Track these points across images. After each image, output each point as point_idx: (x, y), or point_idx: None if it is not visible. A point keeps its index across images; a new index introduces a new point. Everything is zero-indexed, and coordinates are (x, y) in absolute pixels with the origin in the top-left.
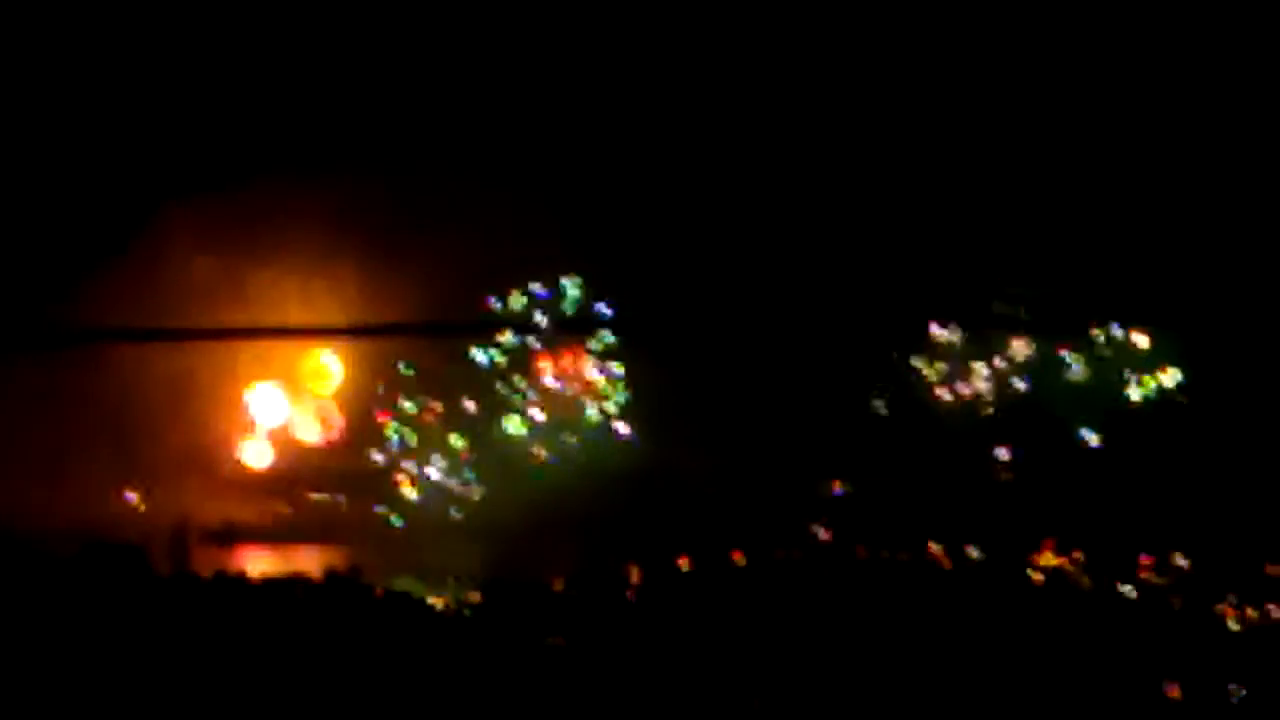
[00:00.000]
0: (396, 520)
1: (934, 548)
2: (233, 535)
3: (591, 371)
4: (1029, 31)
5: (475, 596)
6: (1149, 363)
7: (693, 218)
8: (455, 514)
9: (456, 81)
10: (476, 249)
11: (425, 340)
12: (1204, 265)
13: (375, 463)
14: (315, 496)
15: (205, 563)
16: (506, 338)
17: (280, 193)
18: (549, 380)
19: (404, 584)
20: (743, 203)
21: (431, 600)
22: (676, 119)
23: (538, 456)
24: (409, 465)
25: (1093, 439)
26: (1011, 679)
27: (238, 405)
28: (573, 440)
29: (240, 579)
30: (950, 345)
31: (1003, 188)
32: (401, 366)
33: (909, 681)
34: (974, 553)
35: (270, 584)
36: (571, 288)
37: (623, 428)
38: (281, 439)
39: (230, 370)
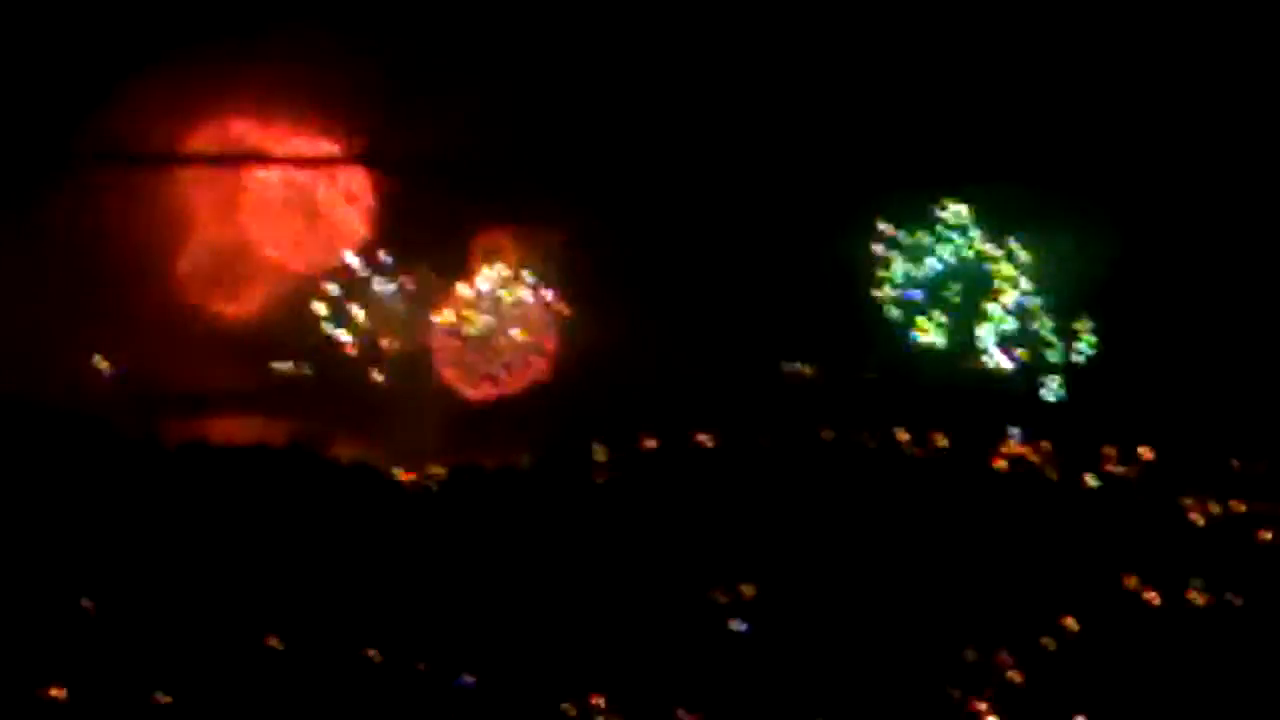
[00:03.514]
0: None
1: (901, 434)
2: (199, 402)
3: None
4: None
5: (440, 471)
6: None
7: (650, 75)
8: (416, 385)
9: None
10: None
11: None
12: (1169, 163)
13: (342, 330)
14: (280, 365)
15: (171, 430)
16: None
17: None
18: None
19: (369, 456)
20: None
21: (397, 474)
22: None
23: (497, 327)
24: (375, 333)
25: (1058, 328)
26: (976, 570)
27: (212, 256)
28: (532, 309)
29: (204, 446)
30: (925, 230)
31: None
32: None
33: (876, 569)
34: (941, 440)
35: (236, 452)
36: None
37: (580, 300)
38: (251, 300)
39: (207, 217)
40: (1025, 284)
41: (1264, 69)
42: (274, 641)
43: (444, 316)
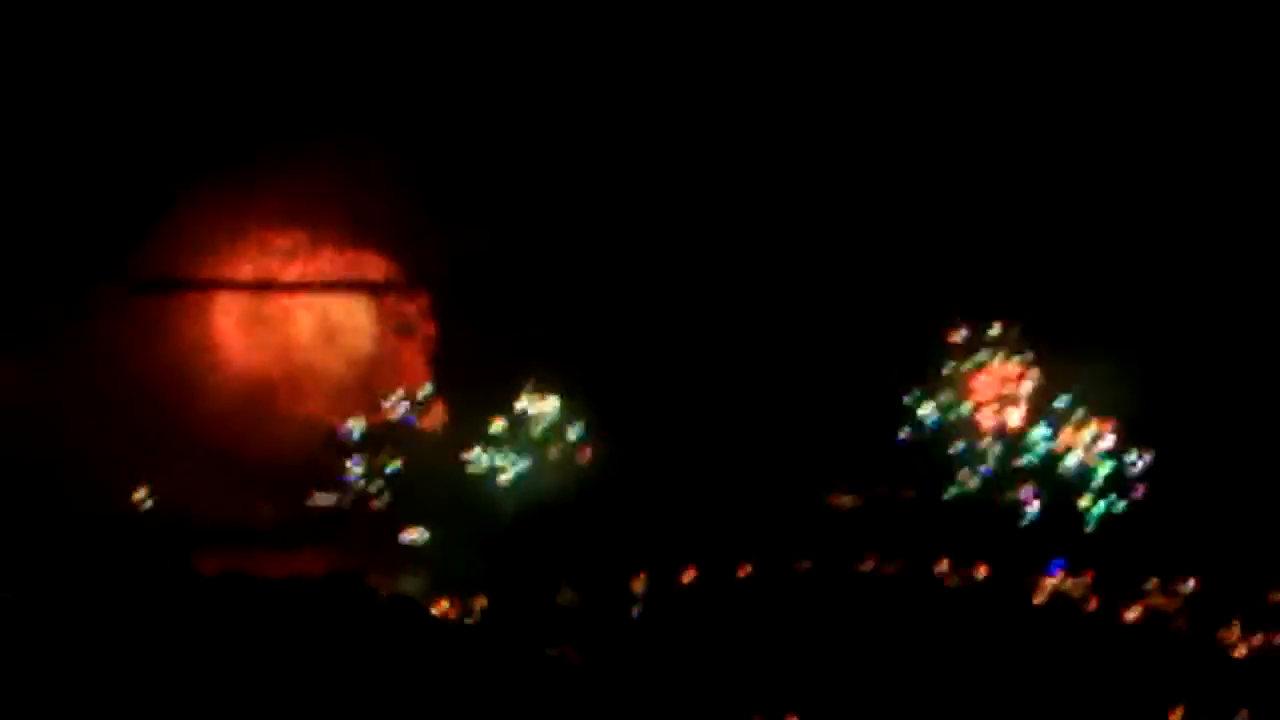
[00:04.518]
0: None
1: (941, 564)
2: (237, 532)
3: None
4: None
5: (480, 603)
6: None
7: (685, 210)
8: (456, 516)
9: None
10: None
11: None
12: (1211, 280)
13: (380, 462)
14: (321, 497)
15: (209, 562)
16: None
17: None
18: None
19: (408, 587)
20: (737, 196)
21: (436, 605)
22: (663, 112)
23: (543, 464)
24: (414, 465)
25: (1101, 459)
26: (1015, 698)
27: (251, 393)
28: (572, 445)
29: (243, 579)
30: (963, 357)
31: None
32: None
33: (914, 698)
34: (981, 570)
35: (274, 585)
36: None
37: (620, 432)
38: (290, 430)
39: (247, 347)
40: (1067, 416)
41: None
42: None
43: (482, 448)
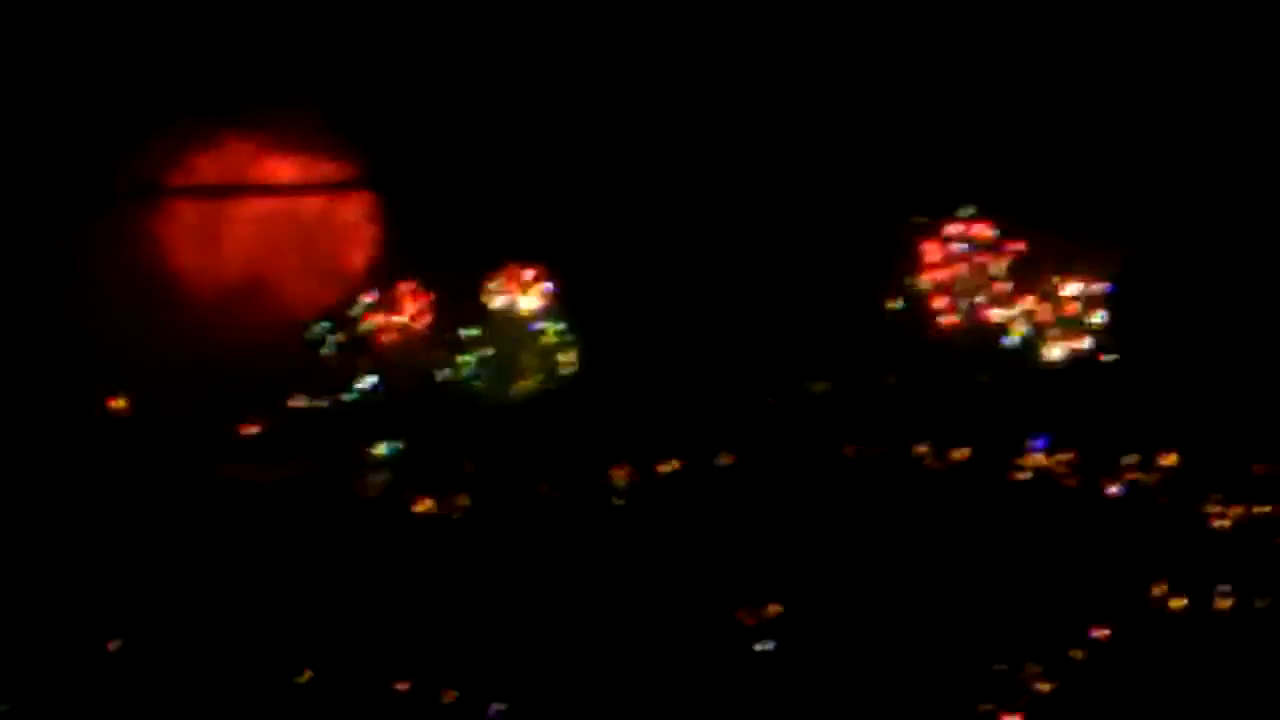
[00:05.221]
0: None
1: (920, 448)
2: (215, 440)
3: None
4: None
5: (463, 501)
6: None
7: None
8: (433, 417)
9: None
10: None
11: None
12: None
13: (357, 363)
14: (298, 400)
15: (190, 469)
16: None
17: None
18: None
19: (384, 489)
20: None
21: (419, 505)
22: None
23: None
24: (392, 366)
25: (1082, 337)
26: (999, 581)
27: (224, 292)
28: (549, 340)
29: (222, 483)
30: (935, 236)
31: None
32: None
33: (903, 586)
34: (960, 453)
35: (255, 489)
36: None
37: (594, 325)
38: (265, 335)
39: (212, 260)
40: (1038, 290)
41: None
42: (306, 676)
43: (458, 347)
